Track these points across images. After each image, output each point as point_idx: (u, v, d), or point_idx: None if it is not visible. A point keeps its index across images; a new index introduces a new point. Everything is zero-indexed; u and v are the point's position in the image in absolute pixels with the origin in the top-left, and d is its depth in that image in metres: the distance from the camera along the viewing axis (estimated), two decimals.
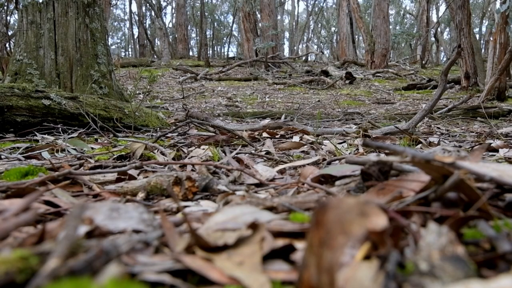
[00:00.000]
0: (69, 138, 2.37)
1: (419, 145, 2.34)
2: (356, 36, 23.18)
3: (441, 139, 2.66)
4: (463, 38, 8.92)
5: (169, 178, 1.11)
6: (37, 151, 1.96)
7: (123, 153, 1.85)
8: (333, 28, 28.01)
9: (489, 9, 22.06)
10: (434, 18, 25.08)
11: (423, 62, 17.10)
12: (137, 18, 24.79)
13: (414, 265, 0.45)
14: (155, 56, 22.59)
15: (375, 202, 0.55)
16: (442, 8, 29.46)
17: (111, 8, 20.90)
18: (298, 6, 52.96)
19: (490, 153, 2.05)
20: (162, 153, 1.87)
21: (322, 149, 2.22)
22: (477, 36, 19.36)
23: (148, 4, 23.52)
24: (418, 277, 0.43)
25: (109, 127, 2.94)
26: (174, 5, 27.68)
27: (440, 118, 5.01)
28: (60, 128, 2.80)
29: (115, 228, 0.65)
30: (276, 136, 2.95)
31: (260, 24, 16.56)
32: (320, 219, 0.49)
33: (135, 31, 26.30)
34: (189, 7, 25.98)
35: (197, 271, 0.51)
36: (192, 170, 1.53)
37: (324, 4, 28.95)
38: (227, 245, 0.57)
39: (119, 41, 36.47)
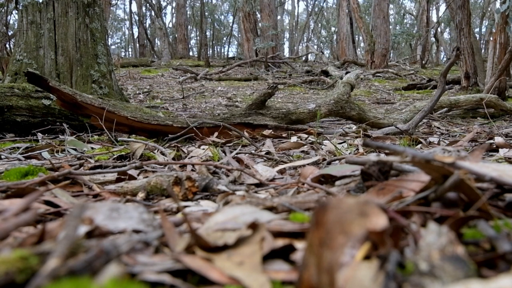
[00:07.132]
0: (69, 138, 2.37)
1: (419, 145, 2.34)
2: (356, 36, 23.16)
3: (441, 139, 2.66)
4: (463, 38, 8.91)
5: (169, 178, 1.11)
6: (37, 151, 1.96)
7: (123, 153, 1.85)
8: (333, 28, 27.96)
9: (489, 9, 22.04)
10: (434, 18, 25.06)
11: (423, 62, 17.09)
12: (137, 18, 24.78)
13: (414, 265, 0.45)
14: (155, 56, 22.57)
15: (375, 202, 0.55)
16: (442, 8, 29.43)
17: (111, 8, 20.90)
18: (298, 6, 52.91)
19: (490, 153, 2.05)
20: (162, 153, 1.87)
21: (322, 149, 2.22)
22: (477, 36, 19.34)
23: (148, 4, 23.50)
24: (418, 277, 0.43)
25: None
26: (174, 5, 27.66)
27: (440, 118, 5.01)
28: (59, 128, 2.81)
29: (115, 228, 0.65)
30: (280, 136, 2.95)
31: (260, 24, 16.55)
32: (320, 219, 0.49)
33: (135, 31, 26.28)
34: (189, 7, 25.96)
35: (197, 271, 0.51)
36: (192, 170, 1.53)
37: (324, 4, 28.93)
38: (227, 245, 0.57)
39: (119, 41, 36.42)
